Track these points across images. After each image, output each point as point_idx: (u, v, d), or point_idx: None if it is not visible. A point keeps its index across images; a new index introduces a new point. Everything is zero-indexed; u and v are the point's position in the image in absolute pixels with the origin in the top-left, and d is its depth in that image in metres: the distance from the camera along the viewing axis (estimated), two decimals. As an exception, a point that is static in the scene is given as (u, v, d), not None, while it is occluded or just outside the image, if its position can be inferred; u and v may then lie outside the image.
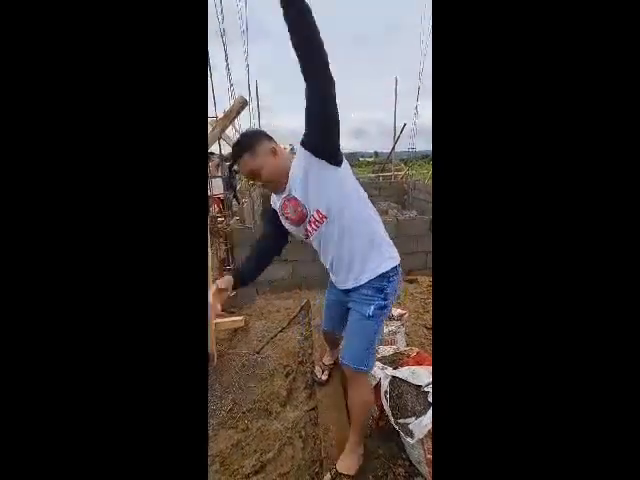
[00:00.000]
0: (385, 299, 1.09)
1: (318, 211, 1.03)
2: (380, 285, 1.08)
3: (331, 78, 0.88)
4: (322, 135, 0.94)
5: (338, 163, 1.00)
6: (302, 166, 0.99)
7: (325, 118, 0.91)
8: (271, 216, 1.20)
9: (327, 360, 1.68)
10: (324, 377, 1.63)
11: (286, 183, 1.05)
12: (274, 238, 1.22)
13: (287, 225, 1.14)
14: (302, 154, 0.98)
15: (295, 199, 1.04)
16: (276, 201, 1.14)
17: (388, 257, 1.10)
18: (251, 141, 1.03)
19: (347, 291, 1.16)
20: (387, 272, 1.08)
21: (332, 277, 1.24)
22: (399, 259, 1.14)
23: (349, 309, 1.17)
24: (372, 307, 1.07)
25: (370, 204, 1.13)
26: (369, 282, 1.08)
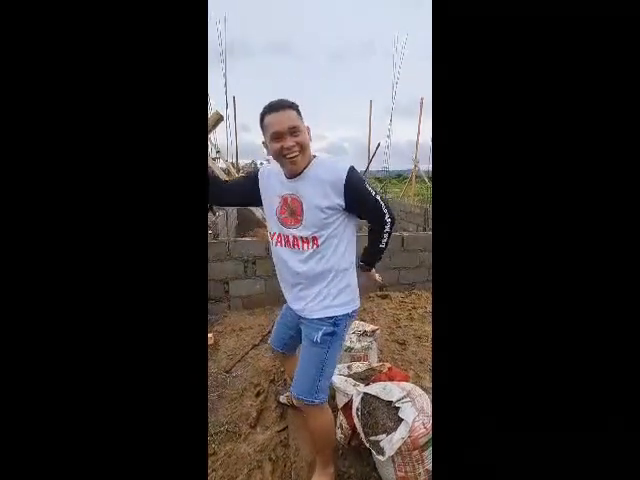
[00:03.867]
0: (334, 325, 1.05)
1: (315, 237, 1.00)
2: (329, 318, 1.06)
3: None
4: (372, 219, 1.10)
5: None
6: (322, 192, 0.97)
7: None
8: (242, 184, 1.19)
9: (284, 398, 1.60)
10: (284, 400, 1.60)
11: (299, 174, 0.99)
12: (221, 192, 1.16)
13: (272, 217, 1.07)
14: (337, 189, 0.96)
15: (300, 205, 0.99)
16: (275, 187, 1.06)
17: (343, 304, 1.07)
18: (298, 107, 0.98)
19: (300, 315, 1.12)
20: (337, 316, 1.06)
21: (286, 295, 1.17)
22: (357, 306, 1.12)
23: (296, 334, 1.16)
24: (320, 333, 1.03)
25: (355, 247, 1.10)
26: (319, 318, 1.06)
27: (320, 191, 0.97)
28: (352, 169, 0.98)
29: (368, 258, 1.19)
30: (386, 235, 1.09)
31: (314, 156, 1.02)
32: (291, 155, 0.94)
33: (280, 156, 0.96)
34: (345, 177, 0.95)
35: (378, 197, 1.03)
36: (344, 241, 1.04)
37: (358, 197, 0.99)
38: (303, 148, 0.95)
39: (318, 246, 1.00)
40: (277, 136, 0.93)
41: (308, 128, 0.99)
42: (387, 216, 1.05)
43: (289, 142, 0.93)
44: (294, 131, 0.93)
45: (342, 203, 0.97)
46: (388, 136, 8.86)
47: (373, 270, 1.25)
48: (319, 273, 1.02)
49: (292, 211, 1.02)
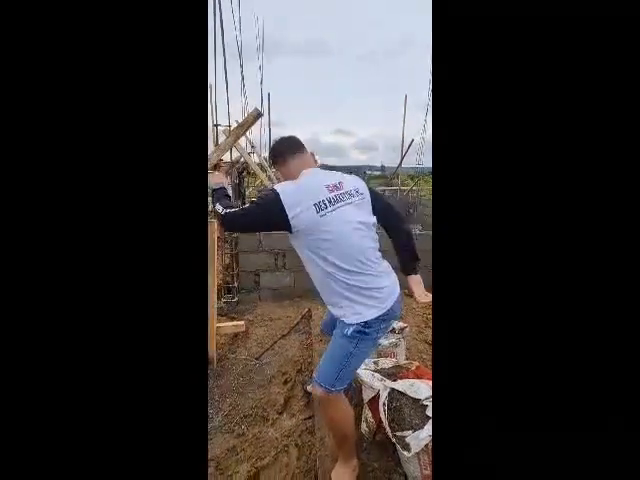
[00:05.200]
0: (365, 327, 1.02)
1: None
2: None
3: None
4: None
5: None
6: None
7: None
8: None
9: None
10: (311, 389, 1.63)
11: None
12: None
13: None
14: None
15: None
16: None
17: (352, 313, 1.04)
18: (275, 154, 1.16)
19: None
20: (356, 323, 1.03)
21: None
22: (372, 316, 1.03)
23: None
24: (352, 328, 1.03)
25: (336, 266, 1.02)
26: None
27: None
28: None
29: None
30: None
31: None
32: None
33: None
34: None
35: (247, 205, 1.07)
36: (314, 261, 1.03)
37: None
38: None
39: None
40: None
41: (312, 154, 1.15)
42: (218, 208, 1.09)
43: None
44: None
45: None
46: (422, 132, 8.63)
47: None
48: (317, 284, 1.12)
49: None
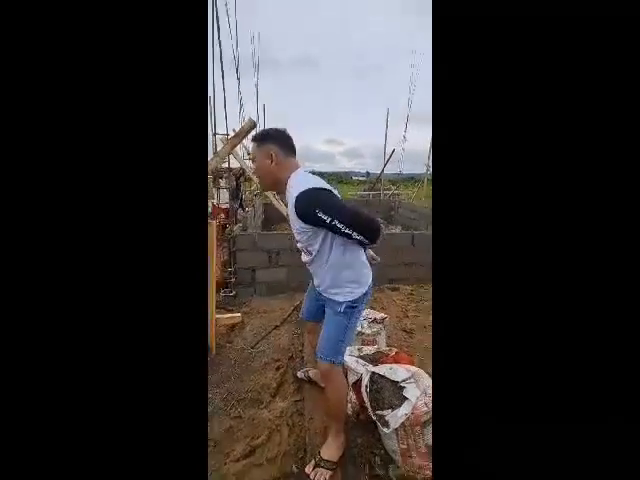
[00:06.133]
0: (353, 302, 1.08)
1: (308, 250, 1.06)
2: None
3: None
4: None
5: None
6: (294, 217, 0.99)
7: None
8: None
9: (312, 373, 1.64)
10: (300, 375, 1.65)
11: (284, 190, 1.06)
12: None
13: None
14: (296, 216, 0.97)
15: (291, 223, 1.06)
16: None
17: (352, 293, 1.08)
18: (263, 136, 1.06)
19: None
20: (347, 301, 1.08)
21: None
22: (364, 290, 1.10)
23: (323, 306, 1.19)
24: (343, 306, 1.08)
25: (354, 248, 1.07)
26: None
27: (294, 217, 0.99)
28: (301, 201, 0.93)
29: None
30: (360, 237, 0.96)
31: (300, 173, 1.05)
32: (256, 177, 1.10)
33: None
34: (295, 206, 0.94)
35: (336, 223, 0.91)
36: (337, 245, 1.02)
37: (316, 224, 0.95)
38: (258, 173, 1.08)
39: (313, 256, 1.06)
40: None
41: (272, 154, 1.00)
42: (356, 234, 0.94)
43: (253, 167, 1.10)
44: (252, 159, 1.06)
45: (307, 226, 0.97)
46: (403, 142, 8.76)
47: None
48: (324, 270, 1.08)
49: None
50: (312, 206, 0.92)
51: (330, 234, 1.00)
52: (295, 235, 1.08)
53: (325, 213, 0.91)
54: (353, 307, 1.09)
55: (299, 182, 0.98)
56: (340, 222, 0.91)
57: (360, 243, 1.02)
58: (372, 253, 1.31)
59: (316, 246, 1.03)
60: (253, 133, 1.11)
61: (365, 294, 1.12)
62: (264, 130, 1.11)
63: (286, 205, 1.15)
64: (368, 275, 1.14)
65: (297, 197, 0.93)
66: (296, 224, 1.01)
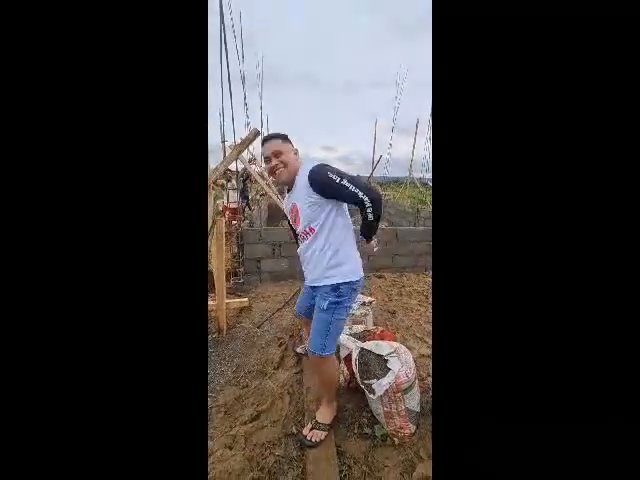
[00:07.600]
0: (338, 297, 1.04)
1: (311, 228, 1.03)
2: (333, 288, 1.06)
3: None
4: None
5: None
6: (304, 193, 0.99)
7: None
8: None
9: (299, 349, 1.65)
10: (299, 350, 1.66)
11: (293, 183, 1.04)
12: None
13: (292, 223, 1.13)
14: (309, 188, 0.97)
15: (297, 209, 1.05)
16: (287, 202, 1.12)
17: (343, 275, 1.06)
18: (285, 136, 1.06)
19: (313, 287, 1.14)
20: (339, 284, 1.05)
21: (305, 275, 1.18)
22: (356, 278, 1.07)
23: (314, 304, 1.15)
24: (326, 302, 1.04)
25: (349, 233, 1.08)
26: (324, 286, 1.06)
27: (304, 193, 0.99)
28: (313, 169, 0.96)
29: (363, 231, 1.10)
30: (369, 210, 0.97)
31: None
32: (276, 170, 1.03)
33: (270, 173, 1.06)
34: (308, 176, 0.96)
35: (345, 182, 0.94)
36: (338, 225, 1.03)
37: (326, 187, 0.96)
38: (285, 164, 1.02)
39: (315, 232, 1.03)
40: (266, 160, 1.05)
41: (296, 150, 1.07)
42: (362, 194, 0.95)
43: (274, 162, 1.02)
44: (277, 154, 1.02)
45: (318, 196, 0.98)
46: (389, 149, 8.74)
47: (372, 241, 1.19)
48: (320, 251, 1.05)
49: (296, 216, 1.07)
50: (323, 171, 0.96)
51: (335, 209, 1.01)
52: (300, 218, 1.03)
53: (335, 174, 0.95)
54: (337, 303, 1.04)
55: (307, 167, 1.00)
56: (349, 182, 0.94)
57: (362, 213, 0.98)
58: (373, 243, 1.21)
59: (319, 220, 1.01)
60: (259, 139, 1.07)
61: (354, 290, 1.07)
62: (279, 133, 1.08)
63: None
64: (359, 260, 1.11)
65: (311, 170, 0.96)
66: (305, 200, 0.99)
